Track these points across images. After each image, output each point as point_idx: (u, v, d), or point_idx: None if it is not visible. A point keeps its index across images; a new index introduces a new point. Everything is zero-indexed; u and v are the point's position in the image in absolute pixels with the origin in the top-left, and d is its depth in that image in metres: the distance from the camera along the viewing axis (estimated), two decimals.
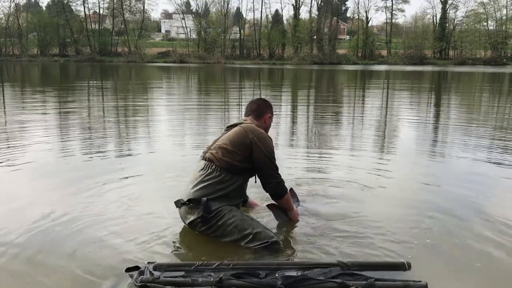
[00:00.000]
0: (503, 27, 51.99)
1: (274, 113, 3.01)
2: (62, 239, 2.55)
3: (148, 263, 2.02)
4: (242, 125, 2.72)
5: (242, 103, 10.94)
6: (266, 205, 2.88)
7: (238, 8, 63.15)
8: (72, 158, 4.61)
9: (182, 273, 1.94)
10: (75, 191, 3.40)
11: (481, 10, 53.42)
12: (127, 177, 3.79)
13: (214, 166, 2.58)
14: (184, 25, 55.23)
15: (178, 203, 2.63)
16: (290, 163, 4.36)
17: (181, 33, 57.17)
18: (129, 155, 4.83)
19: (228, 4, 55.78)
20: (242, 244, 2.42)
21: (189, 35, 55.61)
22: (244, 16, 59.69)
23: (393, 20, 57.65)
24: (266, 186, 2.68)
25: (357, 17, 59.23)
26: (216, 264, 2.00)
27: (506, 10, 51.75)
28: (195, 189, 2.56)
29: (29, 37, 52.36)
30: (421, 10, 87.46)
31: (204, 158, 2.66)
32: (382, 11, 66.47)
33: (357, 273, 1.93)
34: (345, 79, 24.71)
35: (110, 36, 52.44)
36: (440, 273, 2.22)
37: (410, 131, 6.91)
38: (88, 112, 8.96)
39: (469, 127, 6.99)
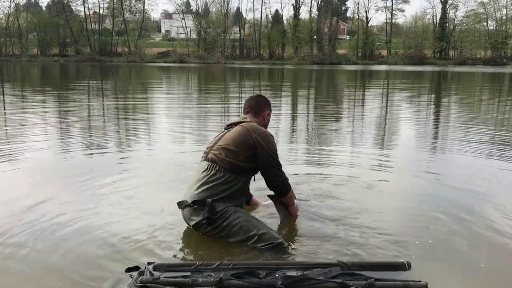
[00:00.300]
0: (503, 27, 51.98)
1: (275, 113, 3.01)
2: (62, 239, 2.54)
3: (148, 263, 2.02)
4: (243, 124, 2.71)
5: (242, 102, 10.93)
6: (268, 195, 2.88)
7: (238, 8, 63.22)
8: (72, 158, 4.61)
9: (182, 273, 1.94)
10: (75, 190, 3.40)
11: (481, 10, 53.49)
12: (126, 177, 3.79)
13: (217, 167, 2.57)
14: (184, 25, 55.23)
15: (182, 205, 2.62)
16: (290, 162, 4.36)
17: (181, 33, 57.16)
18: (129, 154, 4.82)
19: (228, 4, 55.87)
20: (248, 244, 2.42)
21: (189, 35, 55.61)
22: (244, 16, 59.77)
23: (393, 20, 57.72)
24: (270, 184, 2.71)
25: (357, 17, 59.28)
26: (216, 264, 2.00)
27: (506, 10, 51.82)
28: (199, 190, 2.56)
29: (29, 37, 52.35)
30: (421, 10, 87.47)
31: (206, 159, 2.65)
32: (382, 11, 66.57)
33: (357, 273, 1.93)
34: (345, 79, 24.71)
35: (110, 36, 52.44)
36: (440, 273, 2.22)
37: (410, 130, 6.91)
38: (88, 111, 8.97)
39: (470, 126, 6.99)
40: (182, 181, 3.53)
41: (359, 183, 3.69)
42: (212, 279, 1.84)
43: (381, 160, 4.63)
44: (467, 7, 63.25)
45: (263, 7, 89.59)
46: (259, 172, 2.73)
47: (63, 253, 2.37)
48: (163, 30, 70.63)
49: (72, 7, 54.27)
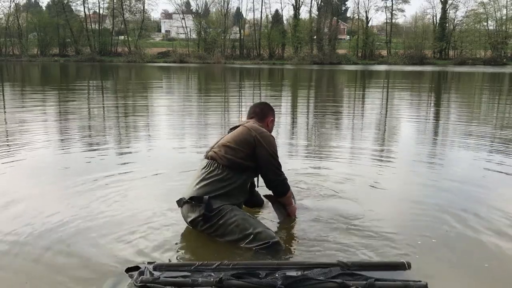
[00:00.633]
0: (503, 27, 51.97)
1: (275, 112, 3.02)
2: (61, 238, 2.54)
3: (148, 263, 2.02)
4: (245, 124, 2.75)
5: (242, 102, 10.95)
6: (264, 195, 2.88)
7: (238, 8, 63.21)
8: (72, 157, 4.61)
9: (182, 273, 1.94)
10: (74, 189, 3.40)
11: (481, 10, 53.48)
12: (126, 176, 3.79)
13: (216, 164, 2.59)
14: (184, 25, 55.24)
15: (180, 202, 2.63)
16: (290, 162, 4.36)
17: (181, 33, 57.17)
18: (130, 153, 4.82)
19: (228, 4, 55.86)
20: (243, 244, 2.41)
21: (189, 35, 55.62)
22: (244, 16, 59.76)
23: (393, 20, 57.70)
24: (269, 184, 2.71)
25: (357, 17, 59.27)
26: (216, 264, 2.00)
27: (506, 10, 51.80)
28: (197, 187, 2.58)
29: (29, 37, 52.35)
30: (421, 10, 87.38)
31: (206, 157, 2.68)
32: (382, 11, 66.52)
33: (357, 273, 1.93)
34: (345, 79, 24.71)
35: (110, 36, 52.44)
36: (440, 273, 2.22)
37: (410, 130, 6.92)
38: (88, 111, 8.97)
39: (470, 126, 6.99)
40: (182, 180, 3.53)
41: (359, 183, 3.69)
42: (212, 279, 1.84)
43: (381, 160, 4.63)
44: (467, 7, 63.31)
45: (263, 7, 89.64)
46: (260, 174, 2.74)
47: (63, 253, 2.37)
48: (163, 30, 70.62)
49: (72, 7, 54.37)
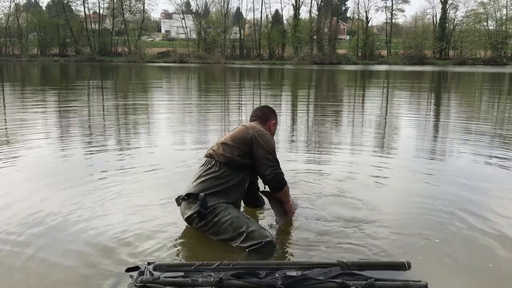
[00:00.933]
0: (503, 27, 51.96)
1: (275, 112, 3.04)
2: (61, 238, 2.55)
3: (148, 263, 2.02)
4: (245, 124, 2.78)
5: (242, 102, 10.95)
6: (261, 191, 2.85)
7: (238, 8, 63.23)
8: (72, 156, 4.61)
9: (182, 273, 1.94)
10: (74, 189, 3.40)
11: (481, 10, 53.47)
12: (126, 176, 3.79)
13: (213, 162, 2.62)
14: (184, 25, 55.23)
15: (178, 200, 2.65)
16: (290, 161, 4.36)
17: (181, 33, 57.17)
18: (129, 153, 4.82)
19: (228, 4, 55.85)
20: (237, 244, 2.41)
21: (189, 35, 55.61)
22: (244, 16, 59.76)
23: (393, 20, 57.70)
24: (265, 178, 2.65)
25: (357, 17, 59.26)
26: (216, 264, 2.00)
27: (506, 10, 51.79)
28: (194, 184, 2.60)
29: (29, 37, 52.35)
30: (421, 10, 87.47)
31: (205, 156, 2.72)
32: (382, 11, 66.59)
33: (357, 273, 1.93)
34: (345, 79, 24.71)
35: (110, 36, 52.45)
36: (440, 273, 2.22)
37: (410, 129, 6.91)
38: (88, 110, 8.97)
39: (470, 125, 6.98)
40: (182, 180, 3.52)
41: (359, 182, 3.69)
42: (212, 279, 1.84)
43: (382, 159, 4.63)
44: (467, 7, 63.40)
45: (263, 7, 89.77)
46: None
47: (63, 253, 2.37)
48: (163, 30, 70.62)
49: (72, 7, 54.40)
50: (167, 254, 2.37)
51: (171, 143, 5.54)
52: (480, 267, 2.30)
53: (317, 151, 5.10)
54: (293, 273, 1.92)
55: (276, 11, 60.60)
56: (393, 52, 54.33)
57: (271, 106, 3.09)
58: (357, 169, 4.15)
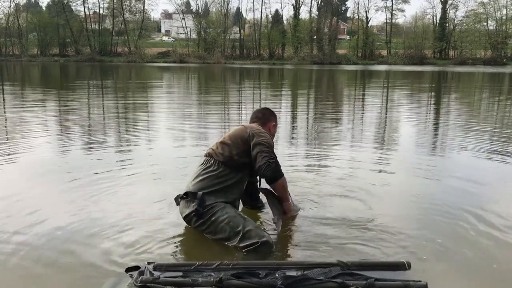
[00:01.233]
0: (503, 27, 51.96)
1: (275, 112, 3.04)
2: (61, 238, 2.54)
3: (148, 263, 2.02)
4: (244, 124, 2.80)
5: (242, 102, 10.94)
6: (260, 188, 2.80)
7: (238, 8, 63.22)
8: (72, 156, 4.61)
9: (182, 273, 1.94)
10: (74, 189, 3.40)
11: (481, 10, 53.47)
12: (126, 175, 3.79)
13: (212, 161, 2.64)
14: (184, 25, 55.23)
15: (177, 199, 2.66)
16: (290, 160, 4.36)
17: (181, 33, 57.16)
18: (129, 152, 4.82)
19: (228, 4, 55.86)
20: (233, 244, 2.40)
21: (189, 35, 55.61)
22: (244, 16, 59.75)
23: (393, 20, 57.71)
24: (260, 166, 2.56)
25: (357, 17, 59.27)
26: (216, 264, 2.00)
27: (506, 10, 51.79)
28: (193, 183, 2.62)
29: (29, 37, 52.34)
30: (421, 10, 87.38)
31: (205, 155, 2.73)
32: (382, 11, 66.54)
33: (357, 273, 1.93)
34: (345, 79, 24.71)
35: (110, 36, 52.45)
36: (440, 273, 2.22)
37: (411, 129, 6.91)
38: (88, 110, 8.96)
39: (470, 124, 6.98)
40: (182, 180, 3.52)
41: (359, 182, 3.68)
42: (212, 279, 1.84)
43: (382, 159, 4.63)
44: (467, 7, 63.33)
45: (263, 7, 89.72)
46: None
47: (62, 253, 2.37)
48: (163, 30, 70.63)
49: (72, 7, 54.37)
50: (167, 254, 2.37)
51: (171, 143, 5.54)
52: (481, 267, 2.30)
53: (317, 149, 5.10)
54: (293, 273, 1.92)
55: (276, 11, 60.69)
56: (393, 52, 54.34)
57: (271, 107, 3.10)
58: (357, 168, 4.15)
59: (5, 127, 6.67)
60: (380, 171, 4.10)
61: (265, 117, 2.93)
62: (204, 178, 2.60)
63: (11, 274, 2.18)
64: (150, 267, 1.97)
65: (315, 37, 54.83)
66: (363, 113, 9.08)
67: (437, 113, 9.19)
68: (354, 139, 5.95)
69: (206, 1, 58.16)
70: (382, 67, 41.31)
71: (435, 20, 56.67)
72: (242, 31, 56.22)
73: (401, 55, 52.55)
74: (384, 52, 55.32)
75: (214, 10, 59.21)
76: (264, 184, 2.73)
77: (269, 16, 58.83)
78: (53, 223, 2.75)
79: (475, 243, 2.56)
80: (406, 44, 53.81)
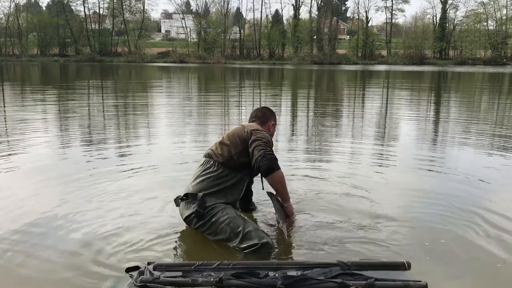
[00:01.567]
0: (503, 27, 51.96)
1: (275, 112, 3.04)
2: (61, 238, 2.54)
3: (148, 263, 2.02)
4: (243, 123, 2.79)
5: (242, 101, 10.94)
6: (267, 192, 2.79)
7: (238, 8, 63.14)
8: (72, 156, 4.61)
9: (182, 273, 1.94)
10: (74, 188, 3.40)
11: (481, 10, 53.47)
12: (125, 175, 3.79)
13: (212, 161, 2.63)
14: (184, 25, 55.22)
15: (177, 200, 2.66)
16: (290, 160, 4.35)
17: (181, 33, 57.15)
18: (129, 152, 4.82)
19: (228, 4, 55.87)
20: (233, 245, 2.41)
21: (189, 35, 55.60)
22: (244, 16, 59.76)
23: (393, 20, 57.75)
24: (256, 161, 2.54)
25: (357, 17, 59.30)
26: (216, 264, 2.00)
27: (506, 10, 51.78)
28: (193, 184, 2.62)
29: (29, 37, 52.34)
30: (421, 10, 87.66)
31: (204, 155, 2.73)
32: (382, 11, 66.46)
33: (357, 273, 1.93)
34: (345, 78, 24.71)
35: (110, 36, 52.47)
36: (440, 273, 2.22)
37: (411, 128, 6.91)
38: (88, 110, 8.96)
39: (470, 124, 6.98)
40: (182, 180, 3.52)
41: (360, 182, 3.67)
42: (212, 279, 1.84)
43: (382, 159, 4.63)
44: (467, 7, 63.59)
45: (263, 7, 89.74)
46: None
47: (62, 253, 2.37)
48: (163, 30, 70.59)
49: (72, 7, 54.41)
50: (167, 254, 2.37)
51: (171, 143, 5.54)
52: (482, 267, 2.29)
53: (317, 151, 5.10)
54: (293, 273, 1.92)
55: (276, 11, 60.71)
56: (393, 52, 54.33)
57: (270, 107, 3.10)
58: (357, 168, 4.15)
59: (5, 127, 6.66)
60: (381, 172, 4.10)
61: (265, 116, 2.93)
62: (204, 179, 2.59)
63: (10, 274, 2.18)
64: (150, 267, 1.97)
65: (315, 37, 54.83)
66: (363, 113, 9.07)
67: (437, 112, 9.18)
68: (355, 139, 5.94)
69: (206, 1, 58.24)
70: (382, 67, 41.30)
71: (435, 20, 56.73)
72: (242, 31, 56.23)
73: (401, 55, 52.54)
74: (384, 52, 55.32)
75: (214, 10, 59.33)
76: (268, 187, 2.71)
77: (269, 16, 58.91)
78: (52, 223, 2.75)
79: (478, 244, 2.55)
80: (406, 44, 53.79)
